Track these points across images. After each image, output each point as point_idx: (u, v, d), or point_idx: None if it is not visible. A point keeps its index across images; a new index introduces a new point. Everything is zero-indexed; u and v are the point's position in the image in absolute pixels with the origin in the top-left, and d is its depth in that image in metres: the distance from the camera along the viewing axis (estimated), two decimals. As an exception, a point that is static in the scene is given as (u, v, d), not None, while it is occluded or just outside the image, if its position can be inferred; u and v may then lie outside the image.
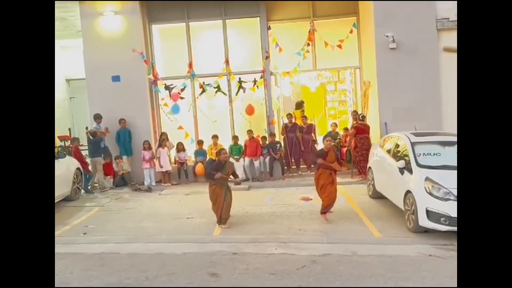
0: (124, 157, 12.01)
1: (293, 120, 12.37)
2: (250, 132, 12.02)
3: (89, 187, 11.31)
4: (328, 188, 7.96)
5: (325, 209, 8.01)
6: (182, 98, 12.63)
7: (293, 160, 12.32)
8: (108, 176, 11.70)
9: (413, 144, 7.90)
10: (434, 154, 7.65)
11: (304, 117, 12.60)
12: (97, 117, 11.77)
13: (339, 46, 12.44)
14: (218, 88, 12.57)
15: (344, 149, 12.39)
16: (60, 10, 12.14)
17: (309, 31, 12.55)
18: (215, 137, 11.98)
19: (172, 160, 12.24)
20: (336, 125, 13.30)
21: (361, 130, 11.31)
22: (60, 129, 15.13)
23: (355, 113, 12.20)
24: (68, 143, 14.30)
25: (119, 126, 11.95)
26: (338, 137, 12.76)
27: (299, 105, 14.18)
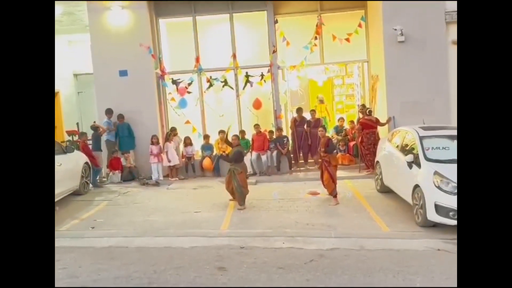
0: (132, 152, 12.07)
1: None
2: (257, 126, 12.00)
3: (97, 181, 11.37)
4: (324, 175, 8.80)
5: (329, 193, 8.82)
6: (189, 92, 12.63)
7: (301, 154, 12.31)
8: (116, 171, 11.75)
9: (421, 138, 7.85)
10: (442, 148, 7.61)
11: (313, 111, 12.56)
12: (108, 112, 11.87)
13: (347, 40, 12.35)
14: (225, 83, 12.54)
15: (352, 144, 12.37)
16: (67, 5, 12.18)
17: (317, 25, 12.46)
18: (222, 132, 11.97)
19: (180, 155, 12.28)
20: (343, 119, 13.26)
21: (366, 125, 11.26)
22: (68, 124, 15.21)
23: (362, 107, 12.13)
24: (76, 138, 14.36)
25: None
26: (344, 129, 12.78)
27: (323, 100, 14.21)
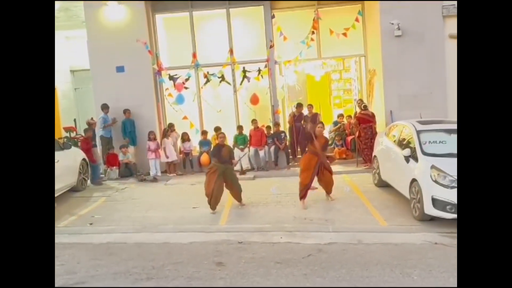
0: (131, 147, 12.05)
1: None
2: (254, 121, 11.99)
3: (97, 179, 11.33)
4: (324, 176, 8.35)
5: (301, 193, 8.22)
6: (186, 88, 12.60)
7: (299, 149, 12.31)
8: (114, 167, 11.73)
9: (418, 132, 7.86)
10: (439, 142, 7.61)
11: (310, 106, 12.55)
12: (104, 108, 11.85)
13: (344, 34, 12.32)
14: (223, 78, 12.52)
15: (349, 138, 12.39)
16: (64, 1, 12.11)
17: (314, 19, 12.43)
18: (217, 130, 11.90)
19: (178, 150, 12.27)
20: (342, 116, 13.28)
21: (363, 120, 11.26)
22: (65, 120, 15.19)
23: (360, 101, 12.14)
24: (73, 134, 14.34)
25: (124, 117, 11.97)
26: (342, 123, 12.80)
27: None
